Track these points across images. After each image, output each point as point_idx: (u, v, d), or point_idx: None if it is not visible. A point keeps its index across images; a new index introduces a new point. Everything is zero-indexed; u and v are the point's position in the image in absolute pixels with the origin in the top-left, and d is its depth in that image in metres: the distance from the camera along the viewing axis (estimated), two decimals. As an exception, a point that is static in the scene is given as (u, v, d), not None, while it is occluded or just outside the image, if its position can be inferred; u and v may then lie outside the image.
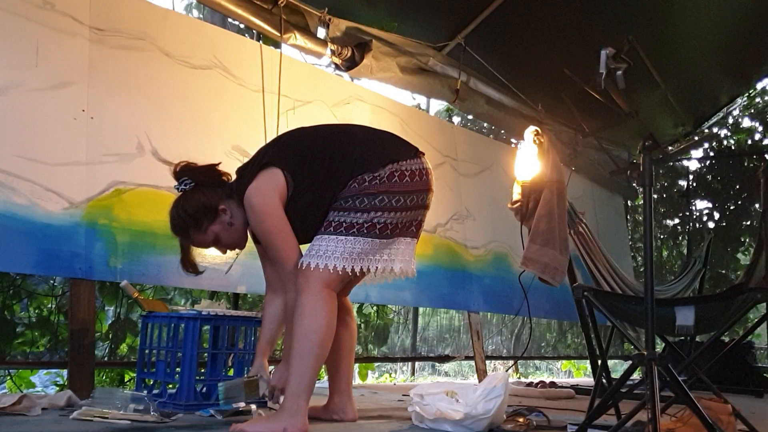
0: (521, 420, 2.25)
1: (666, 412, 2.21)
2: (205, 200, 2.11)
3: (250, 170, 2.10)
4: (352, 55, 3.91)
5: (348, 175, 2.04)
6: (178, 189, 2.15)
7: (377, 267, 2.03)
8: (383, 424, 2.33)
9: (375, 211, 2.00)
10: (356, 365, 4.84)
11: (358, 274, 2.02)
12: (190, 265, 2.19)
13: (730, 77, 6.12)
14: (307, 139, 2.17)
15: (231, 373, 2.61)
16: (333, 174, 2.06)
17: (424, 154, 2.15)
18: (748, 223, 6.91)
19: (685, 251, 7.17)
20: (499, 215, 4.60)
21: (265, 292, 2.27)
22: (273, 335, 2.22)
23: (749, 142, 7.23)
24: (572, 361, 7.08)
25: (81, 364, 2.64)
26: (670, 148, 6.51)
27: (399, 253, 2.06)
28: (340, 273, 1.98)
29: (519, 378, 5.84)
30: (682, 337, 4.05)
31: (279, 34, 3.52)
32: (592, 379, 2.74)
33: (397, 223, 2.04)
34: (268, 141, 3.33)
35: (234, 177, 2.19)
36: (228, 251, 2.24)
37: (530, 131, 2.41)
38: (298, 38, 3.62)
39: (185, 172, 2.16)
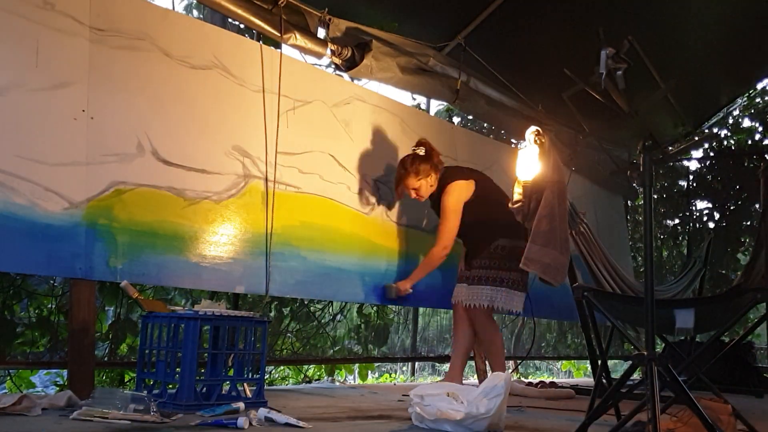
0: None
1: (666, 411, 2.21)
2: (427, 164, 3.57)
3: (454, 172, 3.63)
4: (352, 55, 3.90)
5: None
6: (413, 149, 3.60)
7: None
8: (383, 424, 2.33)
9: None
10: (356, 365, 4.85)
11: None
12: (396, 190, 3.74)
13: (730, 77, 6.12)
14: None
15: (231, 373, 2.61)
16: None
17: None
18: (748, 223, 6.90)
19: (685, 251, 7.17)
20: (499, 215, 4.59)
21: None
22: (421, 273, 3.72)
23: (749, 142, 7.23)
24: (572, 361, 7.08)
25: (81, 364, 2.64)
26: (670, 148, 6.51)
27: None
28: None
29: (519, 378, 5.84)
30: (682, 337, 4.05)
31: (279, 34, 3.52)
32: (592, 379, 2.74)
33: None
34: (267, 143, 3.35)
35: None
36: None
37: (531, 131, 2.41)
38: (298, 38, 3.61)
39: (423, 144, 3.62)
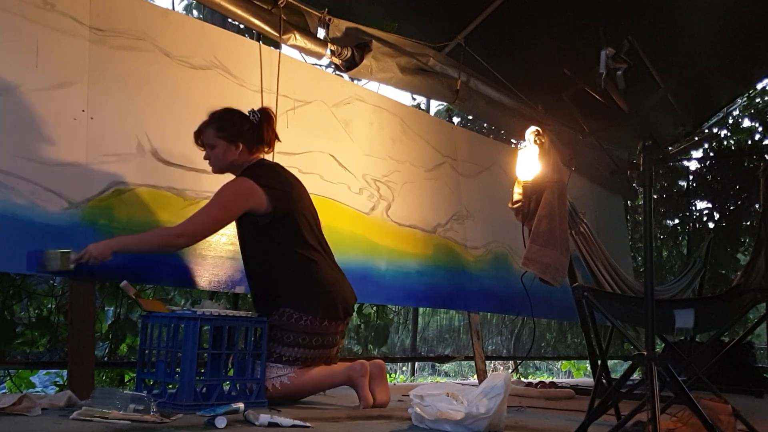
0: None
1: (666, 411, 2.21)
2: (242, 127, 2.75)
3: (256, 167, 2.75)
4: (352, 55, 3.90)
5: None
6: (250, 113, 2.78)
7: None
8: (383, 424, 2.33)
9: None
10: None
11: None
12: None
13: (730, 77, 6.12)
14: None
15: (231, 373, 2.61)
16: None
17: None
18: (748, 223, 6.91)
19: (685, 251, 7.17)
20: (499, 215, 4.60)
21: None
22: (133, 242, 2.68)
23: (749, 142, 7.24)
24: (572, 361, 7.08)
25: (81, 364, 2.64)
26: (670, 148, 6.50)
27: None
28: None
29: (519, 378, 5.85)
30: (683, 337, 4.06)
31: (279, 35, 3.52)
32: (592, 379, 2.75)
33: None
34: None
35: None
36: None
37: (531, 131, 2.41)
38: (298, 38, 3.62)
39: (264, 112, 2.83)
